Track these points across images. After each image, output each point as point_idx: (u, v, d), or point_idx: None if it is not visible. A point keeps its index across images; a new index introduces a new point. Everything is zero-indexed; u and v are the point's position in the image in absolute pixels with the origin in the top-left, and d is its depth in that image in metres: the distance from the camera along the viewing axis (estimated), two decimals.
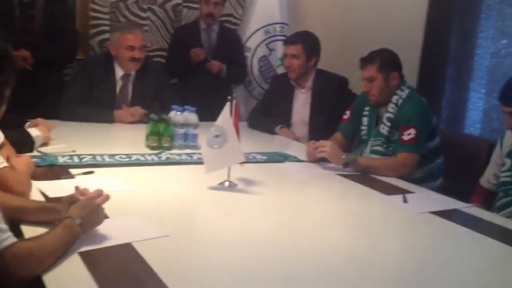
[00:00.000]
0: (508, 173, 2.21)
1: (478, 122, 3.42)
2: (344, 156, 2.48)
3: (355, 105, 2.91)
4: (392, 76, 2.65)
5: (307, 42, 3.32)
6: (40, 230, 1.41)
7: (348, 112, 2.93)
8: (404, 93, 2.66)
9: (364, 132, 2.81)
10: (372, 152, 2.71)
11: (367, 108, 2.80)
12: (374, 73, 2.64)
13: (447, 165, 2.71)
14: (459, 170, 2.69)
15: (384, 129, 2.67)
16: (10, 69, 1.08)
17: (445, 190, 2.55)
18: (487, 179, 2.39)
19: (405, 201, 2.09)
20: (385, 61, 2.65)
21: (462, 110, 3.49)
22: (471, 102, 3.46)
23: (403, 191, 2.22)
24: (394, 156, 2.59)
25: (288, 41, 3.41)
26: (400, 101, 2.64)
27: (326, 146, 2.51)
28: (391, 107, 2.66)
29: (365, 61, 2.68)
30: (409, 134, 2.55)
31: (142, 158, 2.41)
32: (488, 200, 2.34)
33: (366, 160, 2.58)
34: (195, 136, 2.69)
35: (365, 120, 2.81)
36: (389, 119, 2.66)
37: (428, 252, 1.66)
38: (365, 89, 2.71)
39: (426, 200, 2.17)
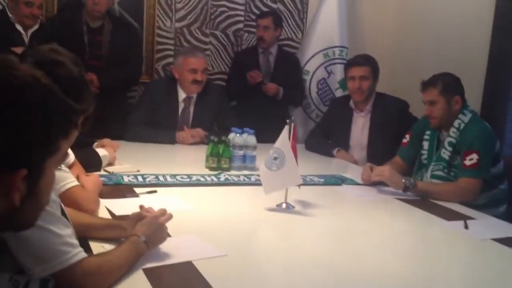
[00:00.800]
0: None
1: None
2: (403, 180, 2.45)
3: (416, 129, 2.88)
4: (455, 100, 2.61)
5: (373, 64, 3.35)
6: (107, 246, 1.49)
7: (407, 136, 2.90)
8: (466, 117, 2.61)
9: (424, 156, 2.77)
10: (433, 177, 2.66)
11: (428, 132, 2.77)
12: (436, 96, 2.61)
13: (511, 191, 2.62)
14: None
15: (445, 153, 2.63)
16: (88, 96, 1.16)
17: (509, 217, 2.46)
18: None
19: (466, 227, 2.04)
20: (448, 84, 2.62)
21: None
22: None
23: (464, 217, 2.17)
24: (456, 181, 2.54)
25: (357, 63, 3.37)
26: (462, 125, 2.60)
27: (385, 171, 2.50)
28: (452, 132, 2.61)
29: (427, 84, 2.66)
30: (471, 159, 2.49)
31: (202, 179, 2.48)
32: None
33: (426, 185, 2.54)
34: (253, 157, 2.74)
35: (426, 144, 2.77)
36: (450, 144, 2.61)
37: (490, 281, 1.61)
38: (426, 113, 2.68)
39: (488, 226, 2.11)
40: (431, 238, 2.02)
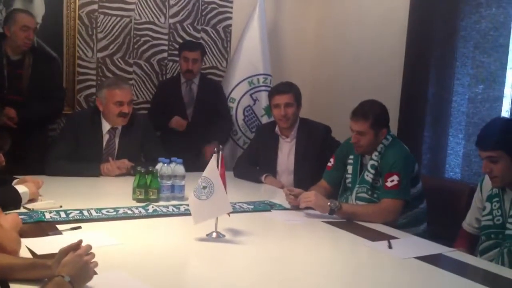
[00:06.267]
0: (489, 217, 2.26)
1: (457, 166, 3.51)
2: (329, 203, 2.52)
3: (339, 153, 2.97)
4: (382, 132, 2.71)
5: (296, 91, 3.42)
6: None
7: (332, 160, 2.99)
8: (387, 141, 2.72)
9: (349, 180, 2.86)
10: (358, 198, 2.75)
11: (351, 157, 2.86)
12: (366, 129, 2.67)
13: (430, 209, 2.76)
14: (442, 214, 2.74)
15: (368, 176, 2.72)
16: (3, 133, 1.11)
17: (429, 234, 2.59)
18: (469, 223, 2.44)
19: (390, 247, 2.12)
20: (378, 118, 2.69)
21: (442, 155, 3.57)
22: (450, 147, 3.55)
23: (388, 237, 2.26)
24: (378, 202, 2.64)
25: (280, 91, 3.41)
26: (384, 148, 2.71)
27: (310, 196, 2.55)
28: (375, 155, 2.72)
29: (358, 116, 2.69)
30: (392, 180, 2.60)
31: (129, 211, 2.42)
32: (472, 244, 2.38)
33: (350, 207, 2.62)
34: (182, 187, 2.71)
35: (350, 169, 2.86)
36: (373, 167, 2.71)
37: None
38: (354, 141, 2.73)
39: (411, 245, 2.21)
40: (357, 259, 2.08)
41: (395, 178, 2.59)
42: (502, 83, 3.30)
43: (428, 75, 3.64)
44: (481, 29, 3.41)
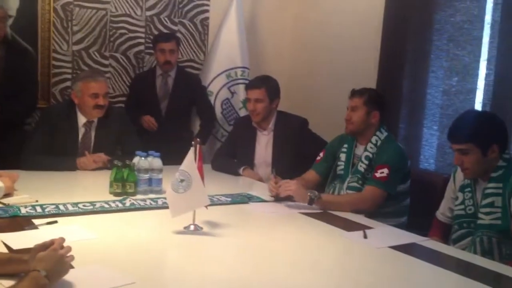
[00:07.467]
0: (461, 207, 2.31)
1: (432, 157, 3.56)
2: (309, 194, 2.55)
3: (330, 147, 3.05)
4: (374, 114, 2.80)
5: (269, 86, 3.42)
6: (6, 283, 1.41)
7: (321, 154, 3.05)
8: (382, 135, 2.81)
9: (341, 167, 2.91)
10: (349, 188, 2.80)
11: (345, 145, 2.92)
12: (360, 104, 2.81)
13: None
14: (417, 204, 2.79)
15: (361, 166, 2.78)
16: None
17: (409, 226, 2.64)
18: (442, 213, 2.50)
19: (365, 236, 2.16)
20: (372, 97, 2.84)
21: (416, 146, 3.62)
22: (424, 139, 3.61)
23: (363, 227, 2.30)
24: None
25: (251, 86, 3.47)
26: (379, 142, 2.78)
27: (291, 185, 2.59)
28: (370, 147, 2.79)
29: (355, 93, 2.86)
30: (382, 172, 2.66)
31: (106, 205, 2.41)
32: (445, 233, 2.44)
33: (331, 197, 2.68)
34: (159, 180, 2.71)
35: (343, 156, 2.92)
36: (367, 158, 2.77)
37: (388, 286, 1.71)
38: (347, 118, 2.85)
39: (385, 235, 2.25)
40: (332, 249, 2.10)
41: (385, 170, 2.66)
42: (476, 76, 3.35)
43: (403, 68, 3.69)
44: (456, 22, 3.45)
